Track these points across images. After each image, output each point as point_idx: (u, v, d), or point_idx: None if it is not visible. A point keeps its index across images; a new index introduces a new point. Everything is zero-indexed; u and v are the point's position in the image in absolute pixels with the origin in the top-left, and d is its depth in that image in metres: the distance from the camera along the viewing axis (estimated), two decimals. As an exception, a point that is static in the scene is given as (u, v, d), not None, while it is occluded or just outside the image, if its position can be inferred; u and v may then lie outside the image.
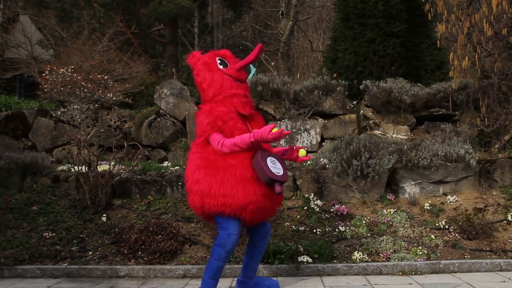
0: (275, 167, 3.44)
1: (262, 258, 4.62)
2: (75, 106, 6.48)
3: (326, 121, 7.36)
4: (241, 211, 3.40)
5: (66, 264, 4.77)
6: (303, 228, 5.29)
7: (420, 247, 4.88)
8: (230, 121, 3.49)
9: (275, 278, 4.45)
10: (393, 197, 5.91)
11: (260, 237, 3.76)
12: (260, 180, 3.40)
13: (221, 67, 3.68)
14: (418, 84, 7.64)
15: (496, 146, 6.72)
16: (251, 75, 7.98)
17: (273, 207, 3.68)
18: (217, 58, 3.73)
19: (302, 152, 3.78)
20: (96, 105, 6.61)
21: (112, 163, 5.90)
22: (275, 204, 3.66)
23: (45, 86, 6.02)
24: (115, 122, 7.82)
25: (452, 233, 5.23)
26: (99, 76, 6.55)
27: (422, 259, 4.71)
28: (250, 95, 3.82)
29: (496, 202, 5.78)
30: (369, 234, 5.21)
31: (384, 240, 5.01)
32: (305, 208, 5.65)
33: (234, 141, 3.42)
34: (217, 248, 3.47)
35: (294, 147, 3.77)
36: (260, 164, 3.38)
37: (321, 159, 6.28)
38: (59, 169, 6.56)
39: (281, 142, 7.16)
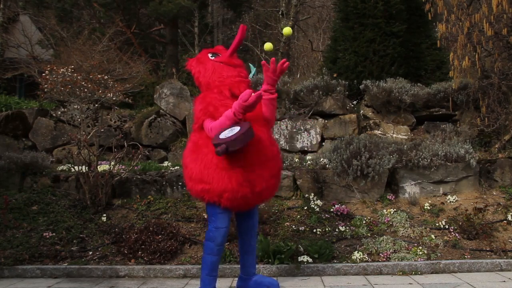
0: (229, 133, 3.31)
1: (262, 258, 4.66)
2: (75, 106, 6.48)
3: (326, 121, 7.36)
4: (219, 198, 3.41)
5: (66, 264, 4.77)
6: (303, 228, 5.29)
7: (420, 247, 4.88)
8: (221, 107, 3.51)
9: (275, 278, 4.46)
10: (393, 197, 5.91)
11: (244, 230, 3.78)
12: (240, 168, 3.37)
13: (212, 58, 3.78)
14: (418, 84, 7.64)
15: (496, 146, 6.72)
16: (251, 75, 7.92)
17: (258, 195, 3.53)
18: (209, 53, 3.85)
19: (267, 46, 3.69)
20: (96, 105, 6.61)
21: (112, 163, 5.90)
22: (260, 191, 3.52)
23: (45, 86, 6.01)
24: (115, 122, 7.82)
25: (452, 233, 5.23)
26: (99, 76, 6.54)
27: (422, 259, 4.71)
28: (246, 76, 3.85)
29: (496, 202, 5.78)
30: (369, 234, 5.21)
31: (384, 240, 5.01)
32: (305, 208, 5.65)
33: (219, 120, 3.43)
34: (208, 242, 3.52)
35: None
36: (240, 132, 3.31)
37: (321, 159, 6.28)
38: (59, 169, 6.56)
39: (281, 142, 7.16)
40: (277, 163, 3.69)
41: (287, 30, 3.75)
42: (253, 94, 3.32)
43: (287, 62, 3.59)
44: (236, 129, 3.33)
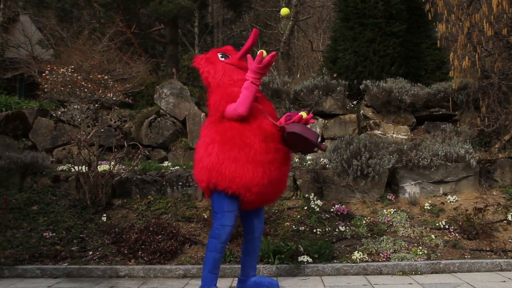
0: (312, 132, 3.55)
1: (262, 258, 4.66)
2: (75, 106, 6.48)
3: (326, 121, 7.36)
4: (246, 191, 3.42)
5: (66, 264, 4.77)
6: (303, 228, 5.29)
7: (420, 247, 4.88)
8: (237, 88, 3.57)
9: (275, 278, 4.46)
10: (393, 197, 5.91)
11: (250, 230, 3.78)
12: (270, 165, 3.45)
13: (222, 59, 3.78)
14: (418, 84, 7.64)
15: (496, 146, 6.72)
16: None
17: (275, 194, 3.72)
18: (219, 53, 3.83)
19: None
20: (96, 105, 6.61)
21: (112, 163, 5.90)
22: (276, 192, 3.71)
23: (45, 86, 6.01)
24: (115, 122, 7.82)
25: (452, 233, 5.23)
26: (99, 76, 6.53)
27: (422, 259, 4.71)
28: None
29: (496, 202, 5.78)
30: (369, 234, 5.21)
31: (384, 240, 5.01)
32: (305, 208, 5.65)
33: (241, 95, 3.49)
34: (212, 239, 3.52)
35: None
36: (306, 130, 3.50)
37: (321, 159, 6.28)
38: (59, 169, 6.56)
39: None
40: (289, 165, 3.84)
41: (285, 11, 3.74)
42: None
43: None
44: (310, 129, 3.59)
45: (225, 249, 4.72)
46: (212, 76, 3.73)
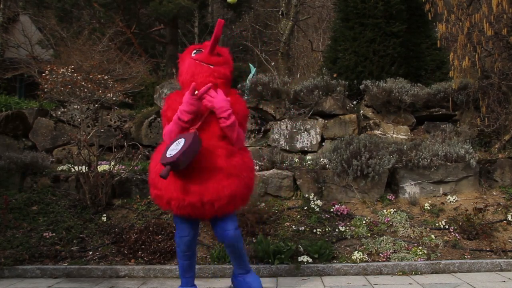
0: (175, 149, 3.11)
1: (262, 258, 4.66)
2: (75, 106, 6.48)
3: (326, 121, 7.36)
4: (168, 206, 3.36)
5: (66, 264, 4.77)
6: (303, 228, 5.29)
7: (420, 247, 4.88)
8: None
9: (275, 278, 4.46)
10: (393, 197, 5.91)
11: (219, 239, 3.61)
12: (183, 177, 3.22)
13: (193, 55, 3.58)
14: (418, 84, 7.64)
15: (496, 146, 6.72)
16: (251, 75, 7.98)
17: (210, 205, 3.29)
18: (194, 49, 3.64)
19: None
20: (96, 105, 6.61)
21: (112, 163, 5.90)
22: (211, 201, 3.28)
23: (45, 86, 6.01)
24: (115, 122, 7.82)
25: (452, 233, 5.23)
26: (99, 76, 6.54)
27: (422, 259, 4.71)
28: (221, 76, 3.55)
29: (496, 202, 5.78)
30: (369, 234, 5.21)
31: (384, 240, 5.01)
32: (305, 208, 5.65)
33: (167, 127, 3.40)
34: (176, 248, 3.59)
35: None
36: (185, 143, 3.13)
37: (321, 159, 6.27)
38: (59, 169, 6.56)
39: (281, 142, 7.16)
40: (231, 175, 3.34)
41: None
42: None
43: (209, 87, 3.33)
44: (181, 142, 3.13)
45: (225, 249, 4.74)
46: (180, 73, 3.64)
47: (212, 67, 3.50)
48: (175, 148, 3.12)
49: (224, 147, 3.41)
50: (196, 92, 3.32)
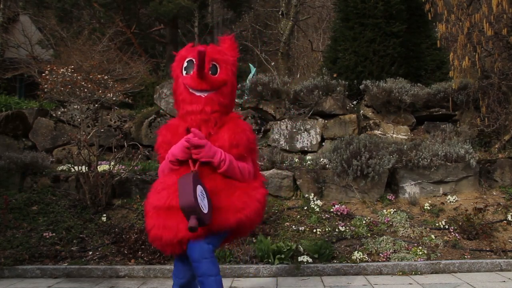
0: (203, 201, 2.67)
1: (262, 258, 4.67)
2: (75, 106, 6.48)
3: (326, 121, 7.36)
4: (155, 245, 2.91)
5: (66, 264, 4.77)
6: (303, 228, 5.29)
7: (420, 247, 4.88)
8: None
9: (275, 278, 4.46)
10: (393, 197, 5.91)
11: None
12: (160, 213, 2.77)
13: (185, 72, 2.94)
14: (418, 84, 7.64)
15: (496, 146, 6.72)
16: (251, 75, 7.98)
17: (179, 242, 2.75)
18: (187, 59, 2.96)
19: None
20: (96, 105, 6.62)
21: (112, 163, 5.90)
22: (181, 239, 2.73)
23: (45, 86, 6.02)
24: (115, 122, 7.82)
25: (452, 233, 5.23)
26: (99, 76, 6.54)
27: (422, 259, 4.71)
28: (215, 109, 2.88)
29: (496, 202, 5.78)
30: (369, 234, 5.21)
31: (384, 240, 5.01)
32: (305, 208, 5.65)
33: (162, 165, 2.97)
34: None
35: None
36: (190, 183, 2.62)
37: (321, 159, 6.27)
38: (59, 169, 6.56)
39: (281, 142, 7.16)
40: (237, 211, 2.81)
41: None
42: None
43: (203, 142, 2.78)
44: (205, 196, 2.72)
45: (225, 249, 4.74)
46: (174, 92, 3.05)
47: (204, 95, 2.86)
48: (202, 198, 2.68)
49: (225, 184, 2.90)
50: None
